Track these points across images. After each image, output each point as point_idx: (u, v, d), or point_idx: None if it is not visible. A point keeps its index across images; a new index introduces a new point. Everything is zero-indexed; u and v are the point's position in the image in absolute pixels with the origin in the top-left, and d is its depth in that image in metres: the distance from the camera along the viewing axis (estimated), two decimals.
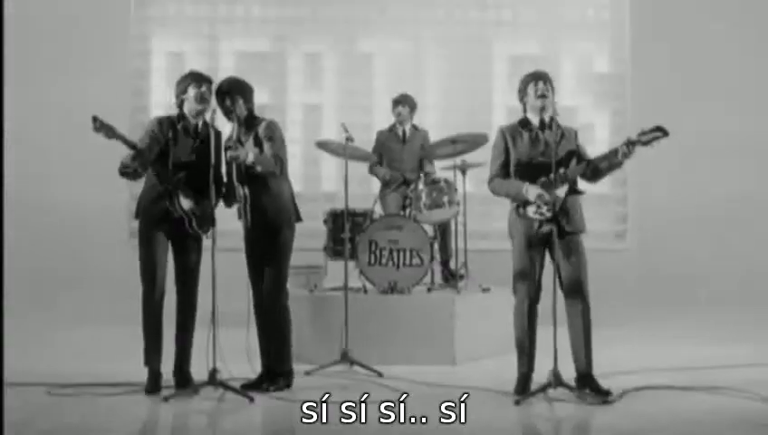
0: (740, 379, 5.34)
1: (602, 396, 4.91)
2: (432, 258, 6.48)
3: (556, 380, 4.87)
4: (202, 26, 9.16)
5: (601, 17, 9.25)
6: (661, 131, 4.96)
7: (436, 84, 9.17)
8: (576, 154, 5.17)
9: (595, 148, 9.17)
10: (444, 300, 6.34)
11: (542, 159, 5.09)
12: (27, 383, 5.18)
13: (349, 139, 6.24)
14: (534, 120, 5.21)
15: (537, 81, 5.18)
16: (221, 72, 9.13)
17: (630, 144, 4.98)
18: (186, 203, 5.10)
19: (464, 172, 6.88)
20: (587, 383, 5.01)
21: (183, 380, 5.22)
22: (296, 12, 9.19)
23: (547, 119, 5.14)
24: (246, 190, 5.24)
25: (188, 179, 5.10)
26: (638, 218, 8.84)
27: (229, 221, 5.50)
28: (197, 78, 5.30)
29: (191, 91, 5.28)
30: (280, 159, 5.19)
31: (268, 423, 4.71)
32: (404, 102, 7.30)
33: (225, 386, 5.01)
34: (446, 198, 6.51)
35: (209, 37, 9.14)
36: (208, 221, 5.12)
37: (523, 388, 5.06)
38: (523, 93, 5.24)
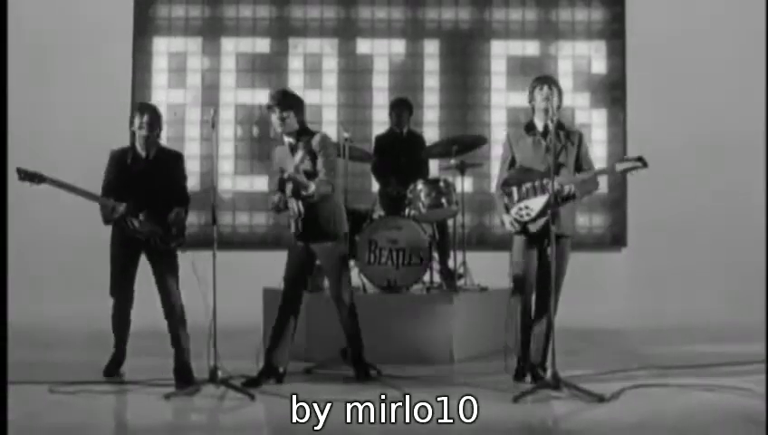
0: (736, 376, 5.37)
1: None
2: (431, 258, 6.51)
3: (554, 379, 4.91)
4: (203, 26, 9.18)
5: (599, 18, 9.26)
6: (641, 162, 5.04)
7: (435, 84, 9.18)
8: (576, 158, 5.31)
9: (593, 148, 9.22)
10: (442, 299, 6.38)
11: (542, 165, 5.22)
12: (29, 381, 5.20)
13: (348, 139, 6.26)
14: (539, 124, 5.33)
15: (542, 84, 5.31)
16: (221, 72, 9.22)
17: (609, 172, 5.29)
18: (144, 227, 5.34)
19: (462, 172, 6.90)
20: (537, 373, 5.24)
21: (181, 379, 5.26)
22: (296, 12, 9.20)
23: (550, 124, 5.23)
24: (301, 206, 5.37)
25: (147, 202, 5.33)
26: (638, 219, 8.86)
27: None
28: (140, 108, 5.53)
29: (136, 122, 5.44)
30: (332, 175, 5.37)
31: (269, 421, 4.73)
32: (401, 106, 7.28)
33: (226, 384, 5.04)
34: (444, 199, 6.53)
35: (210, 37, 9.16)
36: (175, 237, 5.38)
37: (523, 374, 5.34)
38: (530, 97, 5.38)
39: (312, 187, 5.25)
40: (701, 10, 8.91)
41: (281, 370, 5.40)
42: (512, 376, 5.39)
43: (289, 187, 5.32)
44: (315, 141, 5.37)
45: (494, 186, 5.65)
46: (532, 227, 5.23)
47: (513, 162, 5.37)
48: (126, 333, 5.62)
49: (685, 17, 8.92)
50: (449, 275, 6.75)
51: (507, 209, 5.28)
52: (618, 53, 9.17)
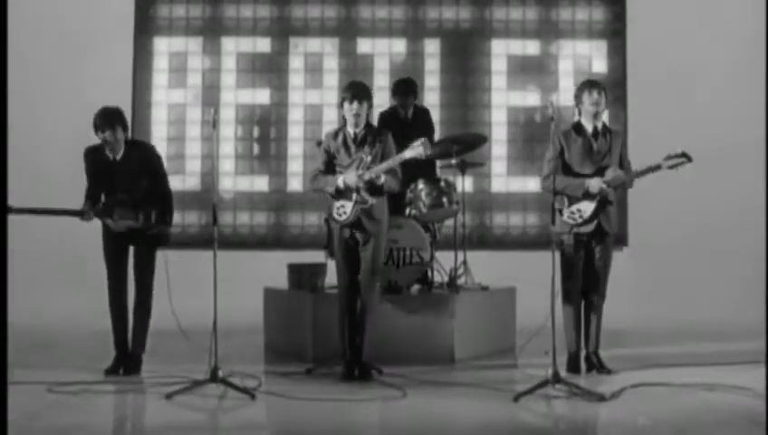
0: (737, 377, 5.37)
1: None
2: (432, 257, 6.51)
3: (555, 377, 4.92)
4: (203, 26, 9.18)
5: (600, 17, 9.26)
6: (686, 157, 5.34)
7: (435, 84, 9.17)
8: (619, 157, 5.64)
9: None
10: (443, 299, 6.38)
11: (592, 166, 5.55)
12: (29, 382, 5.20)
13: None
14: (588, 126, 5.61)
15: (592, 89, 5.58)
16: (222, 71, 9.22)
17: (657, 169, 5.43)
18: (120, 225, 5.51)
19: (463, 172, 6.90)
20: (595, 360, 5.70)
21: (130, 369, 5.56)
22: (297, 11, 9.20)
23: (600, 126, 5.56)
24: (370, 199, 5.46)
25: (119, 201, 5.51)
26: (639, 218, 8.86)
27: None
28: (96, 123, 5.59)
29: (99, 136, 5.59)
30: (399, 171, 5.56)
31: (269, 421, 4.74)
32: (405, 92, 7.13)
33: (226, 383, 5.04)
34: (445, 198, 6.53)
35: (210, 37, 9.16)
36: (154, 226, 5.57)
37: (575, 367, 5.66)
38: (578, 99, 5.65)
39: (392, 184, 5.47)
40: (702, 9, 8.90)
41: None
42: (566, 369, 5.58)
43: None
44: (389, 140, 5.55)
45: (540, 181, 5.84)
46: (585, 229, 5.55)
47: (563, 160, 5.59)
48: (125, 328, 5.66)
49: (685, 17, 8.92)
50: (450, 276, 6.73)
51: (560, 212, 5.49)
52: (618, 52, 9.17)
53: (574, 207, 5.54)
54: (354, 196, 5.42)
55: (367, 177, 5.37)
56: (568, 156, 5.59)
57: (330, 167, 5.59)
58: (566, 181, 5.54)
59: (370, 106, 5.55)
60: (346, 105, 5.48)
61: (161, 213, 5.61)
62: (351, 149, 5.51)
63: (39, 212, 5.38)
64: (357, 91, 5.50)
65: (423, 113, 7.31)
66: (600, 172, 5.52)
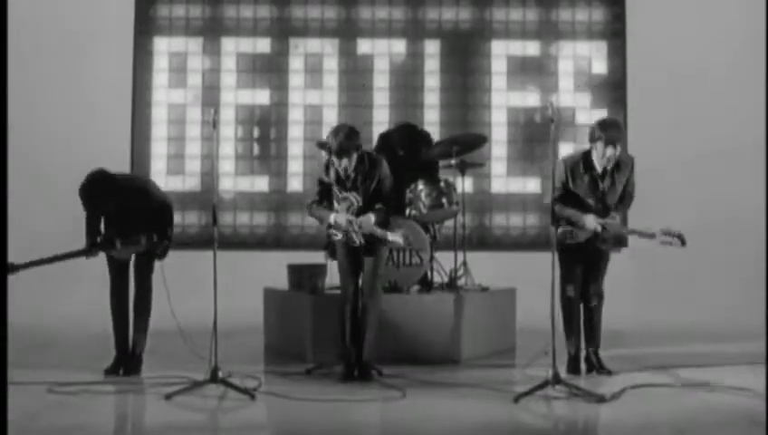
0: (737, 377, 5.37)
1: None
2: (432, 258, 6.51)
3: (555, 378, 4.92)
4: (203, 26, 9.18)
5: (600, 18, 9.26)
6: (680, 241, 5.32)
7: (435, 84, 9.17)
8: (625, 183, 5.67)
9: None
10: (443, 300, 6.38)
11: (594, 202, 5.59)
12: (29, 382, 5.19)
13: None
14: (598, 165, 5.60)
15: (608, 145, 5.50)
16: (222, 72, 9.21)
17: (648, 237, 5.46)
18: (124, 253, 5.55)
19: (463, 172, 6.90)
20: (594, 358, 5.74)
21: (130, 369, 5.59)
22: (297, 12, 9.20)
23: (609, 168, 5.58)
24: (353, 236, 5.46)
25: (119, 229, 5.51)
26: (638, 218, 8.84)
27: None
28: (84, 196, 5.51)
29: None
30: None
31: (269, 421, 4.74)
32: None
33: (226, 384, 5.04)
34: (445, 199, 6.52)
35: (210, 37, 9.16)
36: (160, 250, 5.60)
37: (575, 368, 5.65)
38: (592, 140, 5.60)
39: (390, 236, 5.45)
40: (702, 10, 8.90)
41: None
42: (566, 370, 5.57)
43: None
44: (383, 170, 5.54)
45: (547, 198, 6.02)
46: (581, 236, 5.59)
47: (567, 190, 5.62)
48: (126, 328, 5.68)
49: (685, 17, 8.91)
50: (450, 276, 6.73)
51: (557, 225, 5.48)
52: (618, 53, 9.17)
53: (570, 229, 5.56)
54: (344, 232, 5.46)
55: (355, 227, 5.39)
56: (573, 187, 5.61)
57: (325, 194, 5.58)
58: (567, 212, 5.55)
59: (358, 151, 5.45)
60: (333, 159, 5.43)
61: (162, 229, 5.60)
62: (345, 183, 5.51)
63: (42, 263, 5.35)
64: (340, 149, 5.36)
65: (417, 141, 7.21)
66: (602, 208, 5.57)
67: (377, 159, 5.59)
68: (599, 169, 5.59)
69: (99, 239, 5.51)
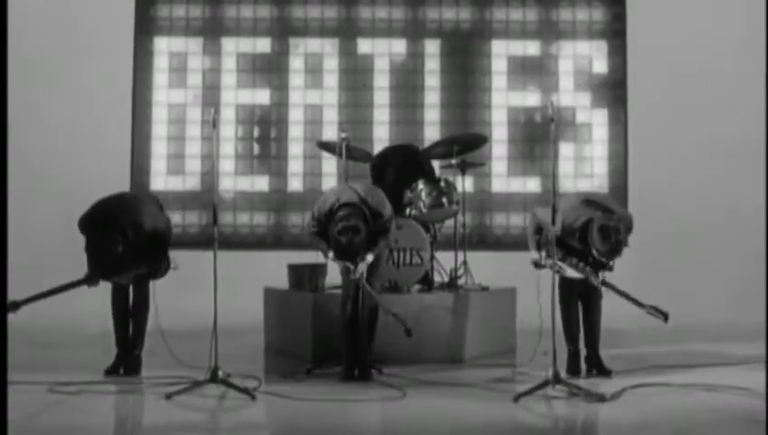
0: (736, 377, 5.37)
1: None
2: (432, 257, 6.51)
3: (555, 378, 4.92)
4: (203, 26, 9.18)
5: (600, 18, 9.26)
6: (664, 317, 5.34)
7: (435, 84, 9.17)
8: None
9: (594, 148, 9.23)
10: (443, 299, 6.37)
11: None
12: (29, 382, 5.19)
13: (345, 139, 6.26)
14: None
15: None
16: (222, 71, 9.21)
17: (637, 305, 5.40)
18: (126, 278, 5.55)
19: (463, 172, 6.90)
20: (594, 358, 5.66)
21: (131, 369, 5.56)
22: (297, 12, 9.20)
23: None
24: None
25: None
26: (638, 218, 8.84)
27: None
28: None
29: None
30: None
31: (269, 421, 4.74)
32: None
33: (226, 384, 5.04)
34: (445, 198, 6.52)
35: (211, 37, 9.16)
36: (158, 272, 5.57)
37: (575, 368, 5.59)
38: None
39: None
40: (702, 10, 8.90)
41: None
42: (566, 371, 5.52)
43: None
44: (387, 221, 5.47)
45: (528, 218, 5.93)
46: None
47: None
48: (127, 325, 5.67)
49: (686, 17, 8.92)
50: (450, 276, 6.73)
51: (542, 249, 5.50)
52: (619, 52, 9.17)
53: (560, 264, 5.43)
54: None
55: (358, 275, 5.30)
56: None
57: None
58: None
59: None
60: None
61: (162, 253, 5.59)
62: None
63: (44, 296, 5.36)
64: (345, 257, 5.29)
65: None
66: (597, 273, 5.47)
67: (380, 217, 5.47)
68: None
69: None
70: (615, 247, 5.45)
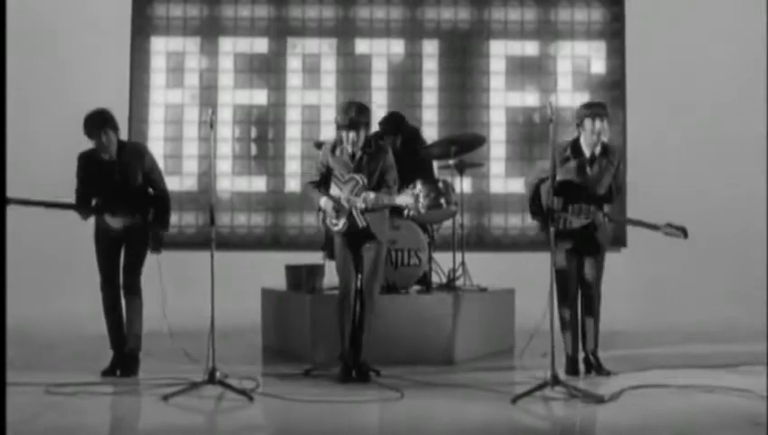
0: (736, 377, 5.37)
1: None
2: (430, 258, 6.50)
3: (554, 379, 4.91)
4: (201, 26, 9.16)
5: (599, 18, 9.25)
6: (683, 233, 5.39)
7: (433, 84, 9.16)
8: (615, 175, 5.67)
9: None
10: (442, 300, 6.36)
11: (583, 185, 5.58)
12: (27, 383, 5.17)
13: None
14: (586, 150, 5.62)
15: (595, 117, 5.55)
16: (219, 72, 9.19)
17: (652, 229, 5.46)
18: (114, 222, 5.54)
19: (461, 172, 6.89)
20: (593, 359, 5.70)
21: (127, 368, 5.56)
22: (295, 12, 9.19)
23: (598, 150, 5.59)
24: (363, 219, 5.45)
25: (116, 198, 5.53)
26: (637, 217, 8.84)
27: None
28: (87, 130, 5.56)
29: (91, 143, 5.59)
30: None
31: (267, 422, 4.72)
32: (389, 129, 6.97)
33: (224, 385, 5.02)
34: (443, 199, 6.51)
35: (208, 37, 9.14)
36: (155, 230, 5.59)
37: (573, 369, 5.62)
38: (579, 121, 5.64)
39: (392, 200, 5.38)
40: (701, 10, 8.89)
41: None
42: (565, 372, 5.56)
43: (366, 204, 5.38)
44: (389, 158, 5.53)
45: (522, 182, 6.09)
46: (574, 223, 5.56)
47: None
48: (120, 329, 5.65)
49: (684, 17, 8.91)
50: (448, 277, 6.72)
51: (547, 212, 5.46)
52: (617, 53, 9.15)
53: (565, 215, 5.55)
54: (347, 213, 5.41)
55: (358, 204, 5.37)
56: (559, 174, 5.58)
57: (325, 178, 5.59)
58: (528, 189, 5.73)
59: (368, 128, 5.50)
60: (342, 133, 5.43)
61: (158, 213, 5.60)
62: (350, 166, 5.49)
63: (37, 204, 5.36)
64: (352, 122, 5.37)
65: (411, 140, 7.16)
66: (588, 196, 5.55)
67: (383, 146, 5.63)
68: (587, 153, 5.60)
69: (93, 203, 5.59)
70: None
